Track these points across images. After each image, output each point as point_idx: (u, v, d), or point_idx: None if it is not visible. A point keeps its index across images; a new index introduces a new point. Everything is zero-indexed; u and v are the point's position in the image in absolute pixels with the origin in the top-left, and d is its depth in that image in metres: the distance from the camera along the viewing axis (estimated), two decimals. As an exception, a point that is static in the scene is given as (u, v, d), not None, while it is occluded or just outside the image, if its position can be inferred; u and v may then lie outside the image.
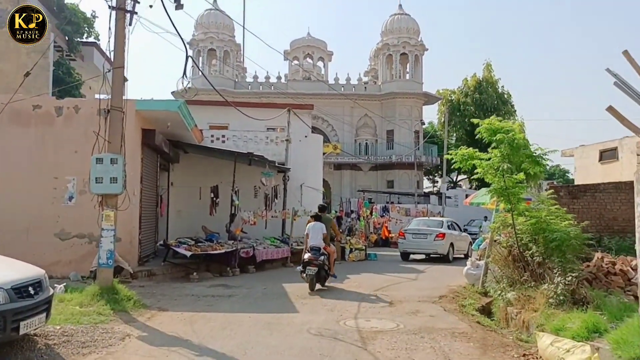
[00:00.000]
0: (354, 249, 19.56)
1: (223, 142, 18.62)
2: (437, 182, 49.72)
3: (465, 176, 47.34)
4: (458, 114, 42.95)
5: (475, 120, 10.66)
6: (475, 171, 11.07)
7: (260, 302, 9.90)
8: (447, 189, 33.74)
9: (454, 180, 46.93)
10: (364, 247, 19.94)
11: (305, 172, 18.93)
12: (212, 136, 18.72)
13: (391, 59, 40.18)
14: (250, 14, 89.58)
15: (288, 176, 18.40)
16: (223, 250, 13.74)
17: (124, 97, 9.76)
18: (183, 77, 10.49)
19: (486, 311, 11.05)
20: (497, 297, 10.88)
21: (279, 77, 40.36)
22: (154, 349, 6.12)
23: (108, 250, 8.65)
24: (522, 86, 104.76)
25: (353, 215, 21.67)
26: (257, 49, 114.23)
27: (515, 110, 44.48)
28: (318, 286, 11.43)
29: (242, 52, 41.70)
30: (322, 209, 13.72)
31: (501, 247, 11.75)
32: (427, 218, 22.27)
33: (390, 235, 27.38)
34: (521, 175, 10.64)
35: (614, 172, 17.99)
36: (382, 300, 10.45)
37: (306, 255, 11.40)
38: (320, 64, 41.68)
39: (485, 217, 27.73)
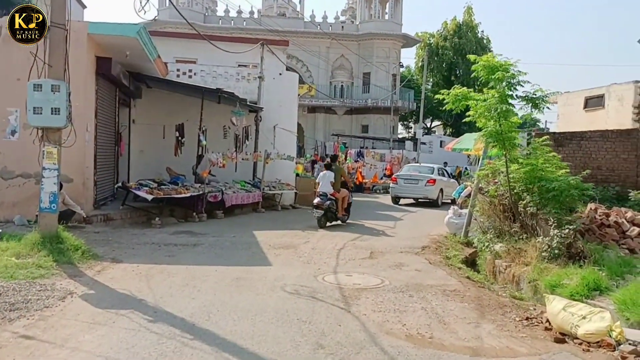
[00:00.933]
0: (328, 195, 18.69)
1: (190, 77, 17.10)
2: (411, 128, 48.98)
3: (440, 122, 46.76)
4: (436, 58, 41.74)
5: (471, 57, 9.58)
6: (468, 113, 10.12)
7: (228, 252, 8.96)
8: (422, 135, 32.99)
9: (429, 126, 46.24)
10: (338, 193, 19.09)
11: (278, 112, 17.69)
12: (178, 70, 17.16)
13: (371, -4, 38.35)
14: None
15: (260, 116, 17.16)
16: (189, 194, 12.66)
17: (70, 15, 8.28)
18: (140, -5, 9.05)
19: (470, 263, 10.42)
20: (483, 249, 10.22)
21: (251, 12, 38.03)
22: (98, 313, 5.12)
23: (51, 193, 7.49)
24: (503, 28, 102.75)
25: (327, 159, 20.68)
26: None
27: (495, 56, 43.35)
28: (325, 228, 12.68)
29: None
30: (332, 159, 14.93)
31: (489, 195, 11.04)
32: (418, 164, 22.26)
33: (364, 180, 26.65)
34: (517, 119, 9.76)
35: (599, 120, 17.34)
36: (361, 250, 9.65)
37: (315, 200, 13.11)
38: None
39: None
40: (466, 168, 32.02)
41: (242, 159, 15.65)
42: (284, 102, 17.97)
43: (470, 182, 15.27)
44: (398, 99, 35.49)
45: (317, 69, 37.70)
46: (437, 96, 10.44)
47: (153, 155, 16.38)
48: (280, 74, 18.08)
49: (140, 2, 8.84)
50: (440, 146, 36.50)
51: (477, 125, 10.76)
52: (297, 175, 18.41)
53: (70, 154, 10.48)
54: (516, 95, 9.29)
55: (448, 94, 9.89)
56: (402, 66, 37.35)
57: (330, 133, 35.04)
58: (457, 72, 42.07)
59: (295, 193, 17.83)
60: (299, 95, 21.80)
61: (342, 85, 37.88)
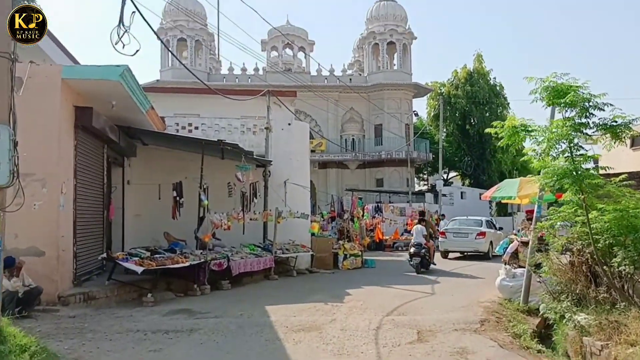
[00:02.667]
0: (348, 255, 16.61)
1: (190, 131, 15.50)
2: (427, 180, 47.09)
3: (456, 173, 44.85)
4: (449, 107, 40.32)
5: (530, 78, 7.69)
6: (525, 150, 8.23)
7: (233, 341, 6.88)
8: (442, 186, 31.08)
9: (445, 178, 44.36)
10: (360, 253, 17.01)
11: (289, 166, 15.91)
12: (176, 124, 15.58)
13: (377, 49, 37.32)
14: (224, 1, 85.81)
15: (269, 171, 15.38)
16: (187, 263, 10.67)
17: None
18: (119, 26, 7.43)
19: (540, 336, 8.25)
20: (559, 321, 8.07)
21: (256, 69, 37.19)
22: None
23: (-11, 274, 5.54)
24: (514, 78, 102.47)
25: (346, 216, 18.74)
26: (233, 39, 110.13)
27: (509, 103, 42.01)
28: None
29: (216, 42, 38.50)
30: (422, 214, 17.72)
31: (556, 251, 9.00)
32: (465, 217, 21.86)
33: (384, 237, 24.50)
34: (597, 155, 7.85)
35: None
36: (404, 328, 7.51)
37: (412, 250, 14.91)
38: (300, 54, 38.67)
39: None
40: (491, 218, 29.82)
41: (250, 220, 13.73)
42: (294, 154, 16.21)
43: (516, 236, 13.19)
44: (413, 149, 33.85)
45: (326, 123, 36.35)
46: (487, 130, 8.56)
47: (150, 220, 14.51)
48: (289, 124, 16.43)
49: (118, 34, 7.14)
50: (461, 197, 34.54)
51: (531, 166, 8.88)
52: (313, 234, 16.40)
53: (40, 221, 8.69)
54: (592, 122, 7.34)
55: (502, 126, 7.97)
56: (416, 114, 36.04)
57: (343, 188, 33.23)
58: (472, 121, 40.58)
59: (312, 255, 15.76)
60: (312, 151, 20.22)
61: (353, 139, 36.41)
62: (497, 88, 41.63)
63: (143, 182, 14.76)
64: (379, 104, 35.94)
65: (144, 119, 12.23)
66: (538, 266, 12.64)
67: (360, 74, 38.02)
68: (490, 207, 40.98)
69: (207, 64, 37.77)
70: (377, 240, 24.00)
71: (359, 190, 31.76)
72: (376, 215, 24.88)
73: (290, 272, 14.65)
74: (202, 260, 11.10)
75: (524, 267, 11.85)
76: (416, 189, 39.01)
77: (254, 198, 14.74)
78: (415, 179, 46.53)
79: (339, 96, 37.09)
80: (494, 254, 18.42)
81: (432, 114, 41.73)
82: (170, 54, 36.94)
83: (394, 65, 38.41)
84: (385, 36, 36.48)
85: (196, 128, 15.90)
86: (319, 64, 39.79)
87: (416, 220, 24.68)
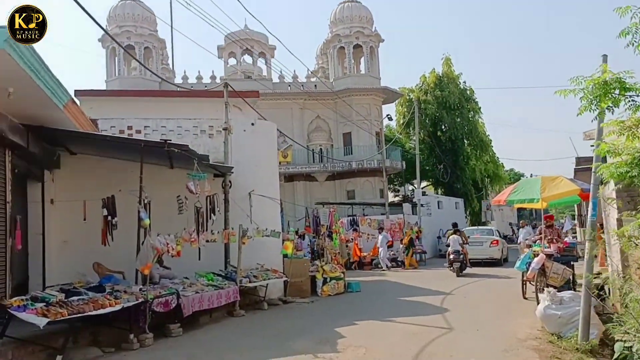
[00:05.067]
0: (328, 279, 13.88)
1: (131, 135, 12.60)
2: (399, 190, 44.85)
3: (427, 183, 42.73)
4: (418, 114, 38.31)
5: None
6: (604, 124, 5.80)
7: None
8: (422, 196, 28.80)
9: (418, 187, 42.20)
10: (342, 275, 14.29)
11: (254, 174, 13.13)
12: (112, 128, 12.64)
13: (343, 52, 34.93)
14: (177, 6, 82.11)
15: (230, 181, 12.54)
16: (119, 306, 7.73)
17: None
18: None
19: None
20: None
21: (213, 77, 34.24)
22: None
23: None
24: (484, 81, 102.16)
25: (323, 232, 16.03)
26: (186, 46, 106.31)
27: (480, 107, 40.47)
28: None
29: (169, 49, 35.44)
30: (455, 225, 19.75)
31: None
32: (476, 227, 24.85)
33: (362, 254, 21.88)
34: None
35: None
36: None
37: (451, 256, 17.35)
38: (261, 62, 36.00)
39: (455, 223, 23.23)
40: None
41: (208, 241, 10.83)
42: (260, 160, 13.45)
43: (537, 249, 10.73)
44: (385, 158, 31.51)
45: (291, 133, 33.51)
46: (561, 93, 5.95)
47: (81, 247, 11.45)
48: (252, 124, 13.66)
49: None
50: (438, 207, 32.34)
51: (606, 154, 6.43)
52: (286, 256, 13.59)
53: None
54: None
55: (579, 82, 5.46)
56: (389, 119, 33.78)
57: (312, 203, 30.48)
58: (443, 127, 38.71)
59: (285, 282, 12.95)
60: (280, 150, 17.50)
61: (320, 149, 33.77)
62: (468, 92, 40.01)
63: (71, 200, 11.70)
64: (347, 111, 33.53)
65: (62, 117, 9.24)
66: (567, 285, 10.27)
67: (325, 80, 35.58)
68: (466, 217, 39.13)
69: (159, 72, 34.61)
70: (356, 259, 21.36)
71: (329, 203, 29.04)
72: (352, 229, 22.26)
73: (260, 304, 11.83)
74: (141, 299, 8.18)
75: (555, 287, 9.45)
76: (391, 200, 36.58)
77: (212, 214, 11.86)
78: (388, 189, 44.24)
79: (303, 104, 34.52)
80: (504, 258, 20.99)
81: (401, 121, 39.64)
82: (116, 63, 33.75)
83: (361, 69, 36.16)
84: (351, 39, 34.22)
85: (138, 132, 12.97)
86: (281, 70, 37.18)
87: (411, 231, 23.31)
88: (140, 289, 8.55)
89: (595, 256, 11.55)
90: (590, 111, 5.45)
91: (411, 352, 6.80)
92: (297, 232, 15.09)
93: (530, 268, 9.99)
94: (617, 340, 6.78)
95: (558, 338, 7.33)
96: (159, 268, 10.91)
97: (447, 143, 37.87)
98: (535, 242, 11.77)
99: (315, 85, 34.55)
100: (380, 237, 21.08)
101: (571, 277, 10.30)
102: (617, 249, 10.08)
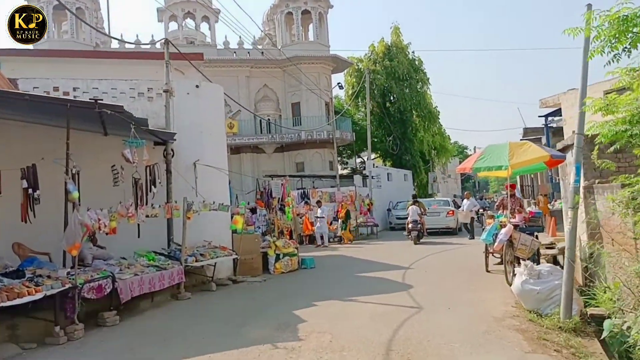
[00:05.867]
0: (281, 256, 12.99)
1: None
2: (347, 162, 44.29)
3: (377, 155, 42.35)
4: (366, 86, 37.60)
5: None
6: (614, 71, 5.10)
7: None
8: (373, 168, 28.24)
9: (365, 159, 41.77)
10: (295, 251, 13.43)
11: (200, 142, 11.93)
12: (35, 89, 11.07)
13: (291, 18, 33.46)
14: None
15: (172, 149, 11.31)
16: (40, 294, 6.54)
17: None
18: None
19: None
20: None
21: (152, 42, 32.05)
22: None
23: None
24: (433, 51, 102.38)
25: (274, 206, 15.04)
26: (123, 9, 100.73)
27: (429, 78, 40.14)
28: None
29: (105, 12, 32.89)
30: (415, 197, 21.64)
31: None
32: (432, 199, 26.68)
33: (313, 228, 21.07)
34: None
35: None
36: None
37: (409, 225, 18.61)
38: (205, 27, 33.97)
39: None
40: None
41: (148, 216, 9.64)
42: (206, 126, 12.23)
43: (503, 219, 10.20)
44: (336, 129, 30.68)
45: (237, 103, 32.13)
46: (570, 32, 5.15)
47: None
48: (197, 86, 12.37)
49: None
50: (388, 179, 31.99)
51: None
52: (235, 231, 12.56)
53: None
54: None
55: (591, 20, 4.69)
56: (340, 87, 32.78)
57: (260, 175, 29.36)
58: (392, 98, 38.18)
59: (235, 260, 11.94)
60: (228, 117, 16.27)
61: (268, 119, 32.42)
62: (416, 63, 39.54)
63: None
64: (296, 80, 32.27)
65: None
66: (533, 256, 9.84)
67: (273, 48, 34.11)
68: (413, 189, 39.09)
69: (93, 36, 32.09)
70: (307, 233, 20.56)
71: (278, 175, 28.02)
72: (303, 202, 21.42)
73: (207, 285, 10.81)
74: (69, 285, 7.01)
75: (523, 259, 8.96)
76: (342, 172, 35.92)
77: (153, 187, 10.64)
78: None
79: (250, 72, 32.97)
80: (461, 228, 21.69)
81: (350, 92, 38.79)
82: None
83: (310, 37, 34.86)
84: (299, 4, 32.78)
85: (66, 94, 11.42)
86: (225, 36, 35.33)
87: (364, 204, 22.91)
88: (68, 273, 7.35)
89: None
90: (602, 54, 4.70)
91: (383, 337, 6.04)
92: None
93: (498, 239, 9.44)
94: (600, 317, 6.29)
95: (538, 316, 6.76)
96: (92, 248, 9.71)
97: (395, 114, 37.39)
98: (498, 212, 11.29)
99: (262, 53, 33.03)
100: (319, 210, 19.82)
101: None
102: (581, 218, 9.72)
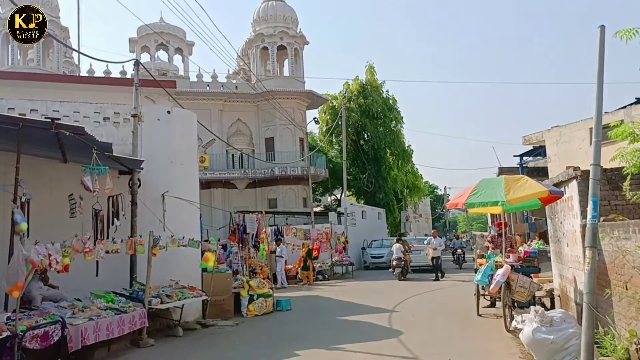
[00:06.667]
0: (255, 296, 11.94)
1: (11, 120, 10.05)
2: (320, 200, 43.52)
3: (350, 193, 41.71)
4: (340, 123, 37.28)
5: None
6: None
7: None
8: (348, 205, 27.52)
9: (339, 197, 41.08)
10: (270, 292, 12.40)
11: (169, 172, 10.98)
12: (-14, 110, 10.07)
13: (266, 53, 33.13)
14: None
15: (139, 179, 10.33)
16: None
17: None
18: None
19: None
20: None
21: (123, 72, 31.18)
22: None
23: None
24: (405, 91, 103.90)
25: (252, 242, 14.04)
26: (94, 38, 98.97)
27: (402, 117, 40.07)
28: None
29: (75, 41, 31.86)
30: (401, 235, 24.11)
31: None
32: (414, 237, 27.47)
33: (287, 267, 20.03)
34: None
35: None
36: None
37: (394, 262, 18.99)
38: (177, 57, 33.30)
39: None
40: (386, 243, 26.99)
41: (108, 252, 8.56)
42: (177, 155, 11.30)
43: (499, 259, 9.48)
44: (310, 165, 30.00)
45: (209, 137, 31.26)
46: (622, 35, 4.53)
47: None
48: (168, 111, 11.50)
49: None
50: (362, 217, 31.28)
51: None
52: (205, 270, 11.50)
53: None
54: None
55: None
56: (317, 122, 32.26)
57: (232, 212, 28.29)
58: (365, 136, 37.90)
59: (204, 301, 10.85)
60: (200, 147, 15.37)
61: (241, 154, 31.58)
62: (390, 101, 39.54)
63: None
64: (270, 115, 31.72)
65: None
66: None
67: (247, 82, 33.60)
68: (387, 228, 38.45)
69: (60, 64, 31.02)
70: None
71: (250, 212, 27.00)
72: (277, 238, 20.38)
73: (173, 329, 9.69)
74: (6, 334, 5.89)
75: (521, 302, 8.21)
76: (316, 210, 35.05)
77: (115, 219, 9.62)
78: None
79: (223, 105, 32.26)
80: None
81: (324, 129, 38.39)
82: (9, 50, 29.80)
83: (285, 72, 34.51)
84: (275, 39, 32.52)
85: (22, 115, 10.39)
86: (199, 69, 34.69)
87: (339, 242, 22.44)
88: (8, 318, 6.24)
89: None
90: None
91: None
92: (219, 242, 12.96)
93: (495, 281, 8.68)
94: None
95: (553, 370, 5.96)
96: (43, 287, 8.52)
97: (370, 152, 37.06)
98: (489, 252, 10.60)
99: (237, 87, 32.47)
100: (277, 249, 19.03)
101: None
102: (580, 261, 9.08)
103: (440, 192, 76.27)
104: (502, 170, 28.98)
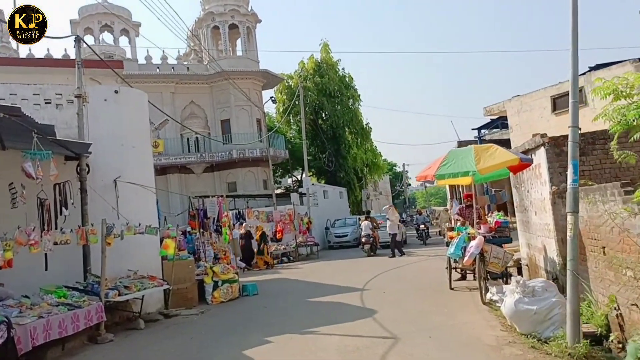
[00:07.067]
0: (220, 283, 11.42)
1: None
2: (280, 182, 42.93)
3: (311, 173, 41.34)
4: (297, 103, 36.68)
5: None
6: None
7: None
8: (310, 186, 27.12)
9: (299, 177, 40.66)
10: (236, 277, 11.90)
11: (121, 156, 10.24)
12: None
13: (218, 33, 31.96)
14: None
15: (88, 165, 9.58)
16: None
17: None
18: None
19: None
20: None
21: (65, 56, 29.51)
22: None
23: None
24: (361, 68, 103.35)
25: (213, 226, 13.46)
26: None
27: (360, 95, 39.75)
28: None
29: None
30: (368, 213, 26.14)
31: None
32: (381, 214, 25.03)
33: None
34: None
35: (580, 123, 12.70)
36: None
37: (363, 239, 19.85)
38: (124, 41, 31.78)
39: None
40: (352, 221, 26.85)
41: (57, 243, 7.86)
42: (128, 138, 10.54)
43: (471, 230, 9.28)
44: (269, 146, 29.30)
45: (161, 119, 30.10)
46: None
47: None
48: (116, 91, 10.69)
49: None
50: (324, 197, 30.99)
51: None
52: (165, 258, 10.88)
53: None
54: None
55: None
56: (274, 101, 31.45)
57: (191, 197, 27.43)
58: (323, 115, 37.45)
59: (166, 290, 10.26)
60: (153, 128, 14.56)
61: (196, 137, 30.56)
62: (347, 79, 39.14)
63: None
64: (225, 96, 30.78)
65: None
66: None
67: (199, 63, 32.44)
68: (349, 206, 38.35)
69: (-4, 49, 29.07)
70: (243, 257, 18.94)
71: (209, 196, 26.26)
72: (239, 222, 19.80)
73: (134, 322, 9.09)
74: (-60, 340, 5.22)
75: (495, 273, 8.04)
76: (277, 192, 34.47)
77: (64, 208, 8.88)
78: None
79: (175, 88, 31.08)
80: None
81: (281, 109, 37.68)
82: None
83: (238, 51, 33.51)
84: (226, 17, 31.42)
85: (-50, 100, 9.43)
86: (147, 50, 33.24)
87: (302, 223, 22.20)
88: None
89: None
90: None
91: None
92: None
93: (469, 253, 8.46)
94: (592, 335, 5.35)
95: (538, 341, 5.74)
96: (-19, 286, 7.78)
97: (328, 131, 36.67)
98: (459, 224, 10.41)
99: (188, 68, 31.31)
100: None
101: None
102: (550, 229, 8.99)
103: (399, 170, 76.80)
104: (461, 144, 29.24)
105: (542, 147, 9.08)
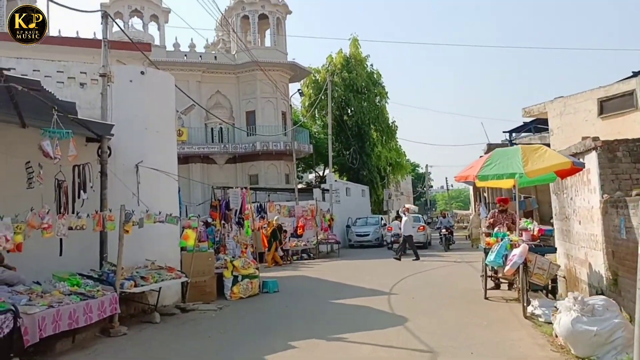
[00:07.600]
0: (240, 278, 10.92)
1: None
2: (302, 177, 42.37)
3: (334, 169, 40.70)
4: (323, 97, 36.05)
5: None
6: None
7: None
8: (333, 182, 26.54)
9: (322, 174, 40.09)
10: (256, 273, 11.39)
11: (144, 140, 9.80)
12: None
13: (247, 22, 31.57)
14: None
15: (109, 147, 9.15)
16: None
17: None
18: None
19: None
20: None
21: (95, 40, 29.40)
22: None
23: None
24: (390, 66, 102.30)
25: (235, 218, 12.99)
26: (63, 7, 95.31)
27: (387, 92, 38.96)
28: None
29: (42, 4, 29.83)
30: (397, 212, 23.88)
31: None
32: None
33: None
34: None
35: (628, 127, 11.92)
36: None
37: (393, 238, 20.94)
38: (153, 26, 31.56)
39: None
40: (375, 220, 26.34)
41: (72, 228, 7.41)
42: (152, 121, 10.09)
43: (516, 237, 8.58)
44: (293, 140, 28.82)
45: (187, 105, 29.78)
46: None
47: None
48: (142, 72, 10.23)
49: None
50: (347, 194, 30.37)
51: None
52: (185, 249, 10.42)
53: None
54: None
55: None
56: (301, 94, 30.91)
57: (213, 186, 27.05)
58: (349, 111, 36.78)
59: (184, 283, 9.79)
60: (178, 115, 14.14)
61: (220, 128, 30.18)
62: (375, 76, 38.39)
63: None
64: (251, 87, 30.35)
65: None
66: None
67: (227, 53, 32.03)
68: (371, 205, 37.67)
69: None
70: (264, 250, 18.46)
71: (230, 188, 25.84)
72: (260, 216, 19.35)
73: (149, 315, 8.64)
74: (-61, 328, 4.78)
75: (539, 285, 7.37)
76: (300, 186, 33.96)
77: (82, 191, 8.45)
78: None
79: (202, 77, 30.73)
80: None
81: (307, 103, 37.11)
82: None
83: (267, 43, 33.02)
84: (256, 7, 30.95)
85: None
86: (176, 38, 32.96)
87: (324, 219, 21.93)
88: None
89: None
90: None
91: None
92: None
93: (511, 262, 7.79)
94: None
95: (598, 365, 5.10)
96: (-4, 269, 7.37)
97: (354, 128, 36.01)
98: (494, 229, 9.71)
99: (216, 57, 30.92)
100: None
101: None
102: (597, 240, 8.28)
103: (421, 171, 75.72)
104: (491, 147, 28.30)
105: (594, 151, 8.35)
